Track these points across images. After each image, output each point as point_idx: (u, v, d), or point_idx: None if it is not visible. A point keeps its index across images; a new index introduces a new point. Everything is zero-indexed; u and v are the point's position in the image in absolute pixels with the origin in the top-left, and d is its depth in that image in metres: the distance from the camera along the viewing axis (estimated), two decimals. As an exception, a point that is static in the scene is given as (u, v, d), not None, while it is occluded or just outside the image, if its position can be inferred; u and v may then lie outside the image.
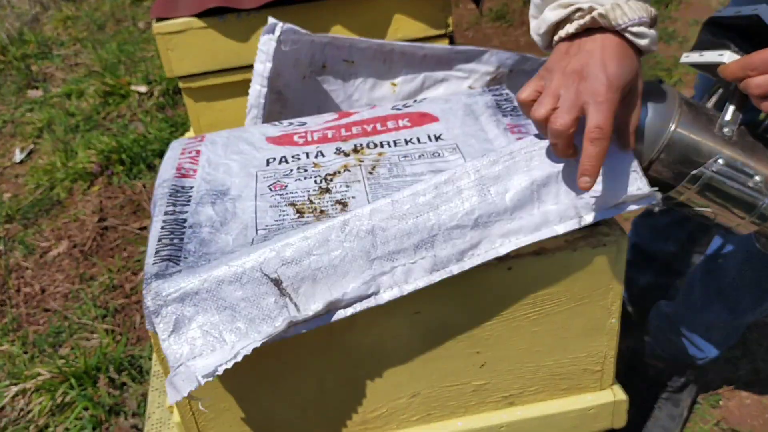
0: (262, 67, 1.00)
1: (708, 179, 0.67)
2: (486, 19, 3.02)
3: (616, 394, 0.85)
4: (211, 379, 0.63)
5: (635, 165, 0.69)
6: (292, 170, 0.85)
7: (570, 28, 0.67)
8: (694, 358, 1.21)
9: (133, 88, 2.63)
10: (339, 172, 0.83)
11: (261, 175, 0.85)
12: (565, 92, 0.65)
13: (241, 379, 0.73)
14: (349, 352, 0.75)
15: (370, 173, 0.83)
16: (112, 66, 2.85)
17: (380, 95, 1.10)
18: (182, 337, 0.64)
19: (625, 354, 1.35)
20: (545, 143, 0.71)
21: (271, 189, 0.82)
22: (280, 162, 0.87)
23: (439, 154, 0.85)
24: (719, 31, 0.70)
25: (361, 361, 0.76)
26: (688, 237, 1.35)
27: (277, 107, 1.06)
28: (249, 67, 1.16)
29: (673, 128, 0.68)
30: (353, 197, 0.79)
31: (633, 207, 0.71)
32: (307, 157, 0.88)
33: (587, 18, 0.65)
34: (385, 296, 0.68)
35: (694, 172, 0.67)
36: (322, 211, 0.77)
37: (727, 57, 0.67)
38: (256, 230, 0.75)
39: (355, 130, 0.93)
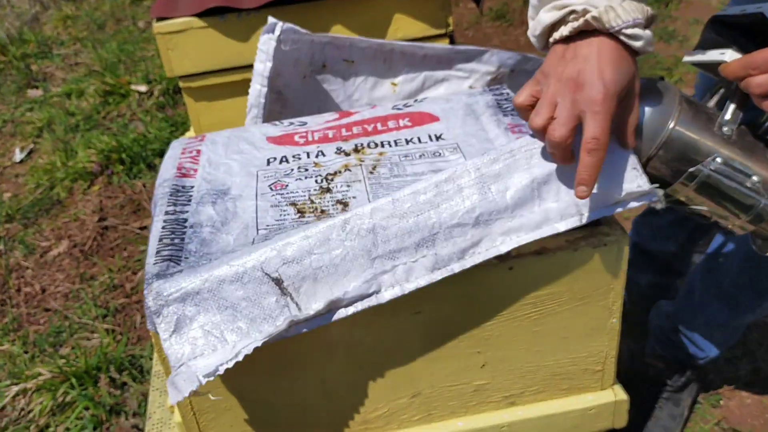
0: (262, 66, 1.00)
1: (705, 177, 0.67)
2: (486, 19, 3.02)
3: (617, 394, 0.85)
4: (212, 378, 0.63)
5: (635, 162, 0.69)
6: (292, 170, 0.85)
7: (564, 31, 0.67)
8: (695, 358, 1.21)
9: (133, 87, 2.63)
10: (340, 172, 0.83)
11: (262, 175, 0.85)
12: (562, 101, 0.65)
13: (243, 378, 0.73)
14: (350, 352, 0.75)
15: (371, 173, 0.82)
16: (112, 65, 2.85)
17: (380, 95, 1.10)
18: (183, 336, 0.64)
19: (626, 354, 1.35)
20: None
21: (271, 189, 0.82)
22: (281, 162, 0.87)
23: (440, 153, 0.85)
24: (723, 29, 0.70)
25: (362, 361, 0.76)
26: (688, 237, 1.35)
27: (277, 107, 1.06)
28: (249, 67, 1.16)
29: (672, 125, 0.68)
30: (354, 197, 0.79)
31: (634, 204, 0.71)
32: (308, 156, 0.88)
33: (581, 20, 0.65)
34: (387, 295, 0.68)
35: (691, 169, 0.67)
36: (323, 211, 0.77)
37: (728, 56, 0.67)
38: (257, 230, 0.75)
39: (355, 129, 0.93)
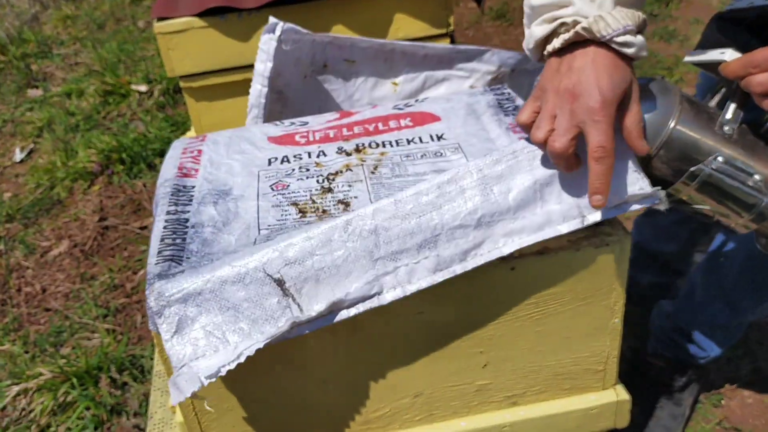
0: (263, 66, 1.00)
1: (707, 177, 0.67)
2: (486, 18, 3.02)
3: (619, 394, 0.85)
4: (214, 380, 0.63)
5: (636, 165, 0.69)
6: (294, 170, 0.85)
7: (556, 43, 0.67)
8: (696, 358, 1.21)
9: (133, 87, 2.63)
10: (341, 172, 0.83)
11: (263, 175, 0.85)
12: (561, 113, 0.65)
13: (244, 379, 0.73)
14: (352, 352, 0.75)
15: (372, 173, 0.82)
16: (112, 65, 2.85)
17: (381, 94, 1.10)
18: (185, 337, 0.64)
19: (627, 353, 1.35)
20: None
21: (273, 189, 0.82)
22: (282, 162, 0.87)
23: (441, 153, 0.85)
24: (727, 26, 0.70)
25: (364, 361, 0.76)
26: (689, 236, 1.35)
27: (278, 107, 1.06)
28: (250, 67, 1.16)
29: (672, 125, 0.68)
30: (355, 197, 0.78)
31: (636, 207, 0.71)
32: (309, 156, 0.87)
33: (572, 32, 0.65)
34: (388, 296, 0.68)
35: (692, 169, 0.67)
36: (324, 211, 0.77)
37: (728, 55, 0.67)
38: (259, 230, 0.75)
39: (356, 129, 0.93)
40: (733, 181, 0.67)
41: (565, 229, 0.70)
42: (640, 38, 0.64)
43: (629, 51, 0.64)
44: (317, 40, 1.02)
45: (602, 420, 0.86)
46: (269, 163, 0.87)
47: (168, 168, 0.87)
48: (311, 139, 0.92)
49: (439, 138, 0.89)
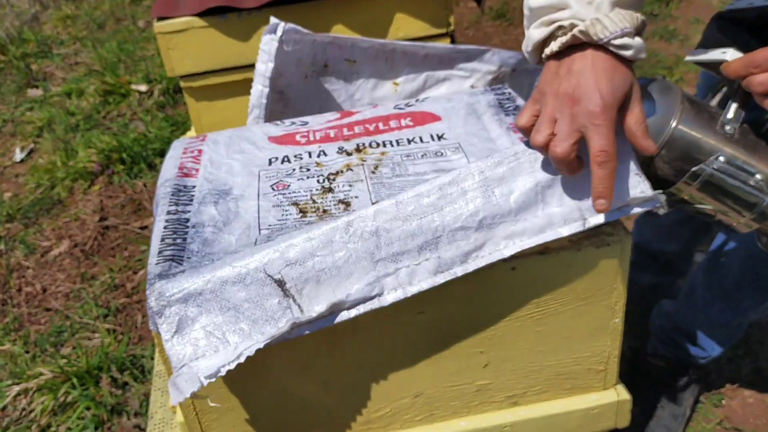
0: (264, 67, 1.00)
1: (708, 176, 0.67)
2: (486, 18, 3.02)
3: (620, 394, 0.85)
4: (213, 380, 0.63)
5: (637, 168, 0.69)
6: (294, 170, 0.85)
7: (554, 46, 0.66)
8: (697, 358, 1.21)
9: (133, 87, 2.63)
10: (342, 172, 0.83)
11: (263, 175, 0.85)
12: (561, 117, 0.65)
13: (245, 379, 0.73)
14: (352, 352, 0.75)
15: (373, 173, 0.82)
16: (112, 65, 2.85)
17: (382, 94, 1.10)
18: (185, 337, 0.64)
19: (628, 353, 1.35)
20: None
21: (273, 188, 0.82)
22: (283, 161, 0.87)
23: (442, 153, 0.85)
24: (727, 26, 0.70)
25: (364, 361, 0.76)
26: (690, 236, 1.35)
27: (279, 107, 1.06)
28: (250, 67, 1.16)
29: (674, 125, 0.68)
30: (356, 197, 0.78)
31: (637, 210, 0.70)
32: (310, 156, 0.87)
33: (569, 35, 0.64)
34: (389, 298, 0.68)
35: (694, 169, 0.67)
36: (325, 211, 0.77)
37: (730, 54, 0.66)
38: (259, 230, 0.75)
39: (357, 129, 0.93)
40: (735, 181, 0.67)
41: (566, 231, 0.70)
42: (638, 40, 0.64)
43: (627, 53, 0.64)
44: (318, 40, 1.02)
45: (603, 420, 0.86)
46: (270, 162, 0.87)
47: (168, 168, 0.87)
48: (312, 138, 0.91)
49: (440, 138, 0.89)
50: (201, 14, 1.11)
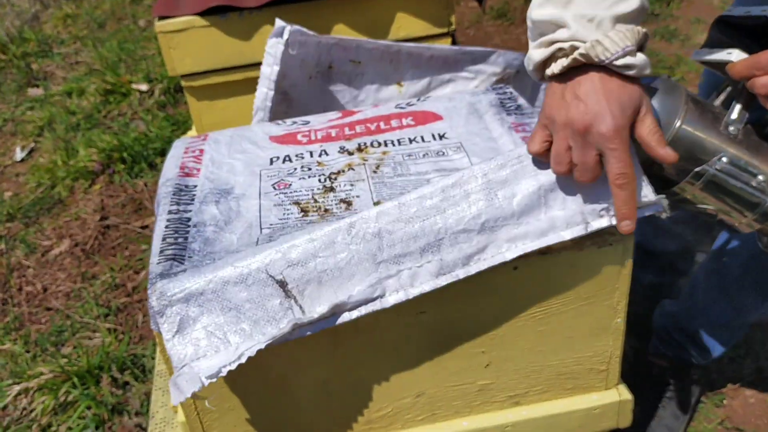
0: (269, 70, 1.00)
1: (711, 176, 0.67)
2: (487, 18, 3.02)
3: (622, 394, 0.85)
4: (214, 380, 0.62)
5: (641, 173, 0.69)
6: (296, 169, 0.85)
7: (555, 68, 0.65)
8: (698, 357, 1.21)
9: (134, 86, 2.63)
10: (343, 171, 0.83)
11: (265, 174, 0.85)
12: (575, 146, 0.64)
13: (246, 378, 0.73)
14: (354, 352, 0.75)
15: (375, 172, 0.82)
16: (113, 64, 2.85)
17: (386, 96, 1.10)
18: (186, 337, 0.64)
19: (629, 353, 1.35)
20: None
21: (275, 188, 0.82)
22: (284, 161, 0.87)
23: (444, 152, 0.85)
24: (728, 29, 0.69)
25: (366, 360, 0.76)
26: (691, 236, 1.35)
27: (282, 107, 1.06)
28: (251, 66, 1.16)
29: (678, 124, 0.68)
30: (357, 196, 0.78)
31: (640, 214, 0.70)
32: (311, 155, 0.87)
33: (570, 58, 0.63)
34: (391, 299, 0.68)
35: (697, 169, 0.67)
36: (326, 210, 0.77)
37: (735, 55, 0.66)
38: (261, 229, 0.75)
39: (358, 128, 0.93)
40: (737, 181, 0.67)
41: (568, 235, 0.70)
42: (641, 57, 0.62)
43: (630, 73, 0.62)
44: (323, 41, 1.02)
45: (605, 420, 0.86)
46: (271, 162, 0.87)
47: (170, 167, 0.87)
48: (313, 138, 0.91)
49: (441, 137, 0.88)
50: (202, 13, 1.11)
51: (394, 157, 0.85)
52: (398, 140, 0.89)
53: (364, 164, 0.84)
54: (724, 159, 0.67)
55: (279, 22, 0.98)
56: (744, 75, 0.65)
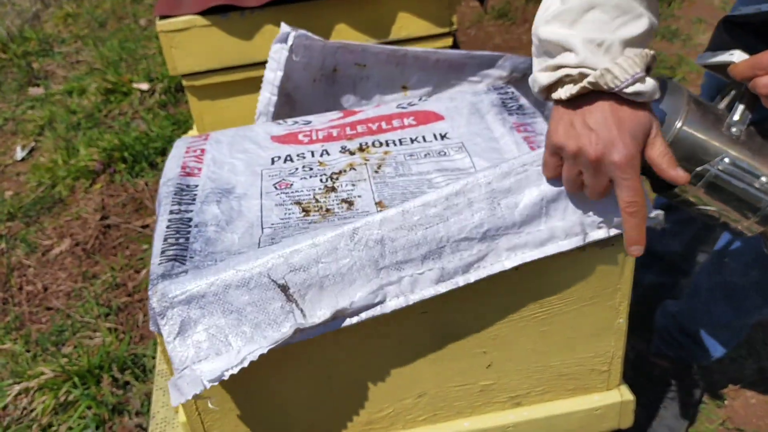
0: (273, 75, 1.00)
1: (713, 178, 0.67)
2: (488, 17, 3.02)
3: (623, 395, 0.85)
4: (216, 383, 0.63)
5: (646, 196, 0.69)
6: (297, 169, 0.85)
7: (562, 94, 0.64)
8: (700, 358, 1.21)
9: (134, 85, 2.63)
10: (345, 171, 0.83)
11: (266, 174, 0.84)
12: (587, 173, 0.64)
13: (247, 378, 0.72)
14: (355, 352, 0.74)
15: (376, 172, 0.82)
16: (114, 63, 2.84)
17: (391, 100, 1.09)
18: (188, 339, 0.64)
19: (630, 353, 1.35)
20: None
21: (276, 187, 0.82)
22: (285, 161, 0.87)
23: (445, 152, 0.85)
24: (734, 29, 0.69)
25: (367, 361, 0.76)
26: (693, 236, 1.34)
27: (285, 110, 1.05)
28: (253, 66, 1.16)
29: (679, 125, 0.67)
30: (359, 196, 0.78)
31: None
32: (313, 155, 0.87)
33: (578, 86, 0.62)
34: (391, 305, 0.69)
35: (698, 169, 0.67)
36: (328, 210, 0.77)
37: (737, 56, 0.66)
38: (262, 229, 0.75)
39: (360, 128, 0.92)
40: (740, 183, 0.67)
41: (567, 245, 0.71)
42: (650, 84, 0.61)
43: (640, 100, 0.62)
44: (328, 45, 1.02)
45: (606, 420, 0.85)
46: (272, 162, 0.87)
47: (171, 167, 0.87)
48: (314, 138, 0.91)
49: (443, 137, 0.88)
50: (203, 13, 1.11)
51: (396, 156, 0.85)
52: (400, 140, 0.88)
53: (365, 164, 0.84)
54: (726, 160, 0.67)
55: (284, 27, 0.98)
56: (746, 75, 0.65)
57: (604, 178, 0.64)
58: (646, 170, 0.69)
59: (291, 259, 0.66)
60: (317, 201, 0.78)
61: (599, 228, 0.71)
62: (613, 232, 0.71)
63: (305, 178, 0.83)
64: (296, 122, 0.96)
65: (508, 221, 0.69)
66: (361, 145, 0.88)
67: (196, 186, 0.82)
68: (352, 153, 0.86)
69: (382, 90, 1.09)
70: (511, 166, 0.70)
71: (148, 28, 3.24)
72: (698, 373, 1.27)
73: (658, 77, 0.71)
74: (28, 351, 1.58)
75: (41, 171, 2.23)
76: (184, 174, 0.85)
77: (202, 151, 0.90)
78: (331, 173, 0.83)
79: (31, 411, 1.43)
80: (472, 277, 0.70)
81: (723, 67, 0.68)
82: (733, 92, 0.71)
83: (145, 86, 2.62)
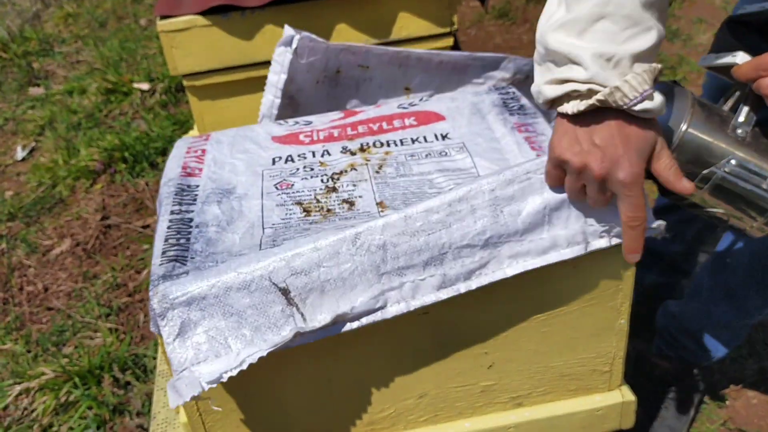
0: (276, 78, 1.00)
1: (719, 180, 0.67)
2: (489, 17, 3.01)
3: (625, 395, 0.84)
4: (215, 385, 0.62)
5: (648, 209, 0.69)
6: (298, 169, 0.85)
7: (569, 109, 0.63)
8: (701, 358, 1.21)
9: (135, 85, 2.62)
10: (346, 171, 0.83)
11: (267, 174, 0.84)
12: (591, 189, 0.65)
13: (248, 379, 0.72)
14: (356, 353, 0.74)
15: (377, 172, 0.82)
16: (114, 63, 2.84)
17: (394, 100, 1.09)
18: (187, 341, 0.64)
19: (632, 354, 1.35)
20: None
21: (277, 188, 0.81)
22: (286, 161, 0.87)
23: (446, 153, 0.85)
24: (738, 28, 0.69)
25: (368, 361, 0.75)
26: (694, 236, 1.34)
27: (288, 111, 1.05)
28: (253, 66, 1.16)
29: (684, 128, 0.67)
30: (360, 196, 0.78)
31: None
32: (314, 156, 0.87)
33: (587, 104, 0.61)
34: (392, 310, 0.69)
35: (705, 172, 0.67)
36: (329, 210, 0.76)
37: (740, 57, 0.66)
38: (263, 229, 0.75)
39: (361, 128, 0.92)
40: (747, 184, 0.66)
41: (569, 254, 0.71)
42: (657, 100, 0.61)
43: (648, 116, 0.62)
44: (331, 47, 1.02)
45: (607, 421, 0.85)
46: (273, 162, 0.87)
47: (172, 167, 0.87)
48: (315, 138, 0.91)
49: (444, 137, 0.88)
50: (204, 13, 1.11)
51: (397, 157, 0.85)
52: (401, 140, 0.88)
53: (366, 164, 0.84)
54: (733, 162, 0.66)
55: (288, 30, 0.98)
56: (750, 76, 0.64)
57: (609, 192, 0.65)
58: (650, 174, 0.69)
59: (292, 262, 0.65)
60: (318, 201, 0.78)
61: (601, 237, 0.71)
62: (615, 241, 0.71)
63: (306, 178, 0.83)
64: (297, 122, 0.96)
65: (510, 229, 0.69)
66: (362, 145, 0.88)
67: (197, 186, 0.82)
68: (353, 153, 0.86)
69: (385, 91, 1.08)
70: (515, 174, 0.70)
71: (149, 28, 3.24)
72: (699, 373, 1.27)
73: (663, 81, 0.71)
74: (28, 351, 1.58)
75: (42, 171, 2.23)
76: (185, 174, 0.84)
77: (203, 151, 0.90)
78: (332, 173, 0.83)
79: (32, 411, 1.43)
80: (474, 283, 0.70)
81: (727, 69, 0.68)
82: (737, 93, 0.71)
83: (145, 86, 2.61)
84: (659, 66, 0.61)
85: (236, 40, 1.13)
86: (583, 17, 0.60)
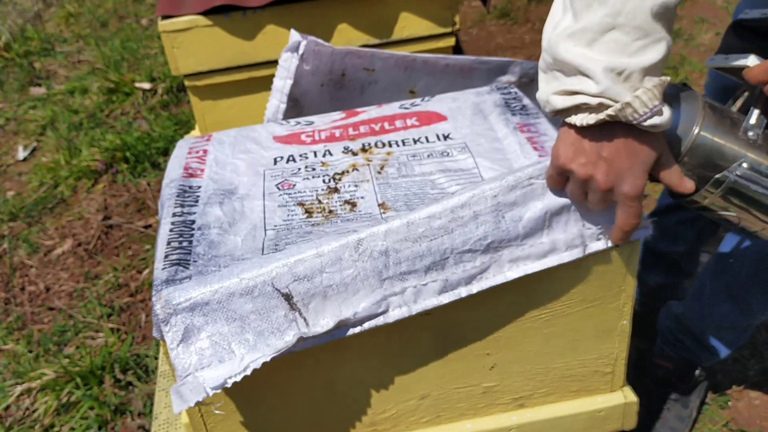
0: (282, 83, 1.00)
1: (732, 183, 0.66)
2: (490, 17, 3.01)
3: (627, 396, 0.84)
4: (219, 390, 0.62)
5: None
6: (300, 169, 0.84)
7: (577, 121, 0.63)
8: (704, 359, 1.21)
9: (137, 85, 2.63)
10: (347, 172, 0.83)
11: (269, 174, 0.84)
12: (593, 197, 0.66)
13: (250, 381, 0.72)
14: (359, 354, 0.74)
15: (379, 173, 0.82)
16: (116, 63, 2.84)
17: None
18: (191, 347, 0.64)
19: (634, 354, 1.35)
20: None
21: (279, 188, 0.81)
22: (288, 161, 0.86)
23: (448, 153, 0.85)
24: (745, 32, 0.69)
25: (370, 362, 0.75)
26: (697, 236, 1.34)
27: (292, 114, 1.05)
28: (255, 66, 1.16)
29: (696, 131, 0.67)
30: (362, 197, 0.78)
31: (632, 237, 0.71)
32: (315, 156, 0.87)
33: (596, 119, 0.61)
34: (394, 314, 0.69)
35: (717, 176, 0.66)
36: (330, 211, 0.76)
37: (751, 60, 0.66)
38: (265, 230, 0.75)
39: (362, 129, 0.92)
40: (759, 187, 0.66)
41: (568, 257, 0.71)
42: (666, 115, 0.61)
43: (656, 131, 0.62)
44: (337, 50, 1.01)
45: (609, 422, 0.85)
46: (275, 162, 0.87)
47: (174, 168, 0.87)
48: (317, 138, 0.91)
49: (446, 137, 0.88)
50: (205, 13, 1.11)
51: (399, 157, 0.85)
52: (402, 141, 0.88)
53: (368, 165, 0.84)
54: (745, 165, 0.66)
55: (294, 36, 0.98)
56: (761, 79, 0.64)
57: (608, 200, 0.66)
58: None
59: (295, 268, 0.65)
60: (320, 202, 0.78)
61: (598, 240, 0.71)
62: (612, 243, 0.72)
63: (308, 178, 0.82)
64: (299, 122, 0.96)
65: (511, 234, 0.69)
66: (363, 145, 0.88)
67: (199, 187, 0.82)
68: (354, 153, 0.86)
69: (390, 94, 1.08)
70: (518, 179, 0.69)
71: (150, 28, 3.24)
72: (702, 374, 1.26)
73: (672, 84, 0.70)
74: (30, 351, 1.58)
75: (43, 171, 2.23)
76: (187, 175, 0.84)
77: (205, 151, 0.90)
78: (334, 174, 0.83)
79: (34, 412, 1.43)
80: (475, 288, 0.70)
81: (737, 71, 0.67)
82: (745, 94, 0.71)
83: (147, 86, 2.62)
84: (668, 79, 0.61)
85: (238, 40, 1.13)
86: (592, 27, 0.59)
